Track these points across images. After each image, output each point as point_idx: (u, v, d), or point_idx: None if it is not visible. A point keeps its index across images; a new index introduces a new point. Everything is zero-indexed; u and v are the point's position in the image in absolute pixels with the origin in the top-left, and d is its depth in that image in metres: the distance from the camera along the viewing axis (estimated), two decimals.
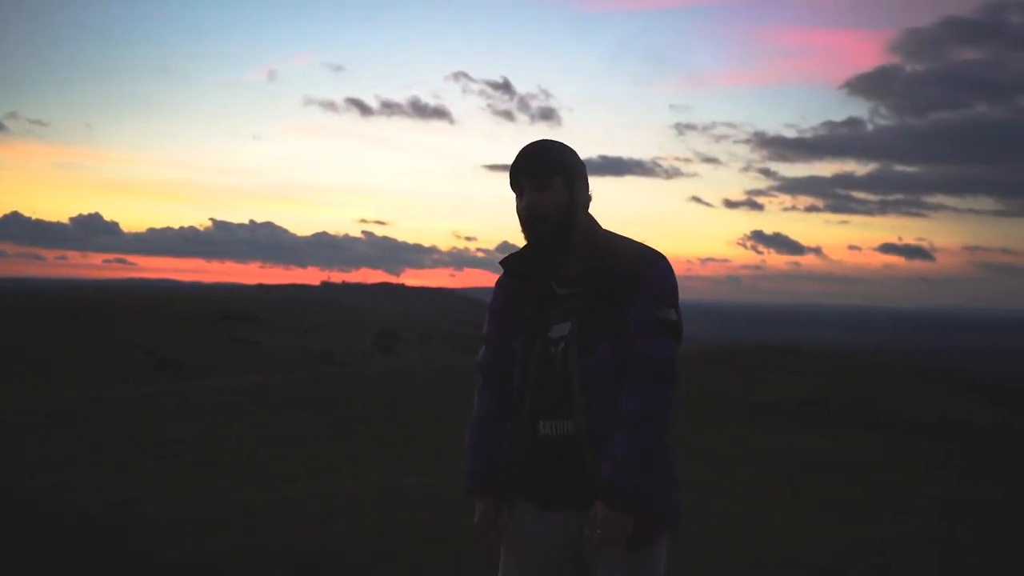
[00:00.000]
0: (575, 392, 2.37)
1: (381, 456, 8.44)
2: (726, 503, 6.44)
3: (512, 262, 2.53)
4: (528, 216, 2.41)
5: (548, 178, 2.40)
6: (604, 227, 2.50)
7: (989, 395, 15.88)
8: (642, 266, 2.39)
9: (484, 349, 2.60)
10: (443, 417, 10.41)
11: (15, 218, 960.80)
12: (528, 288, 2.48)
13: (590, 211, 2.51)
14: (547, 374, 2.43)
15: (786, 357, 18.20)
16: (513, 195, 2.47)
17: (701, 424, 10.10)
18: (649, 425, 2.30)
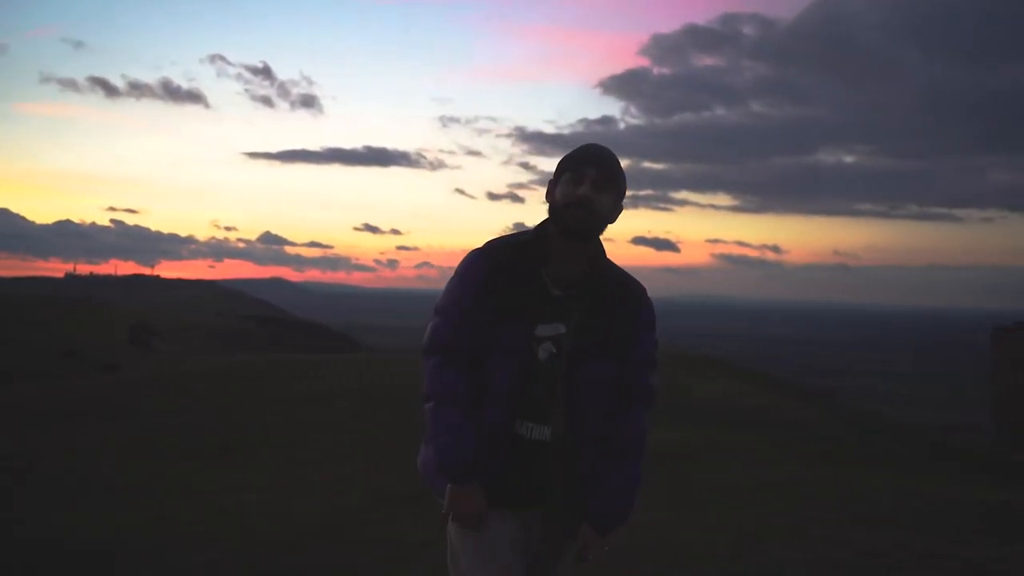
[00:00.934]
0: (561, 396, 2.37)
1: (204, 471, 7.71)
2: None
3: (516, 246, 2.44)
4: (577, 203, 2.39)
5: (611, 185, 2.46)
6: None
7: (760, 382, 17.39)
8: (640, 293, 2.51)
9: (449, 323, 2.41)
10: (249, 423, 9.82)
11: None
12: (523, 279, 2.40)
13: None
14: (532, 374, 2.38)
15: None
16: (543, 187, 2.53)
17: None
18: (643, 456, 2.49)
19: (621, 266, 2.54)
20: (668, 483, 7.27)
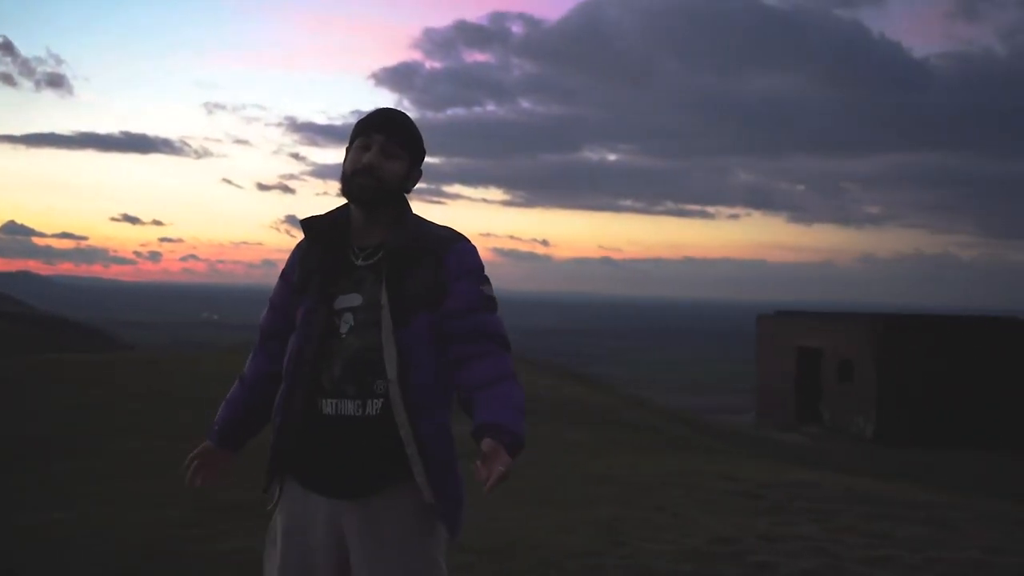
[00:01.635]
0: (387, 366, 2.23)
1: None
2: None
3: (314, 221, 2.43)
4: (362, 170, 2.35)
5: (400, 152, 2.39)
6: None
7: (556, 373, 17.87)
8: (447, 243, 2.35)
9: (266, 312, 2.52)
10: (30, 434, 8.86)
11: None
12: (324, 253, 2.38)
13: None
14: (331, 349, 2.29)
15: None
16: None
17: None
18: (512, 381, 2.28)
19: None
20: (513, 478, 7.22)
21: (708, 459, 9.72)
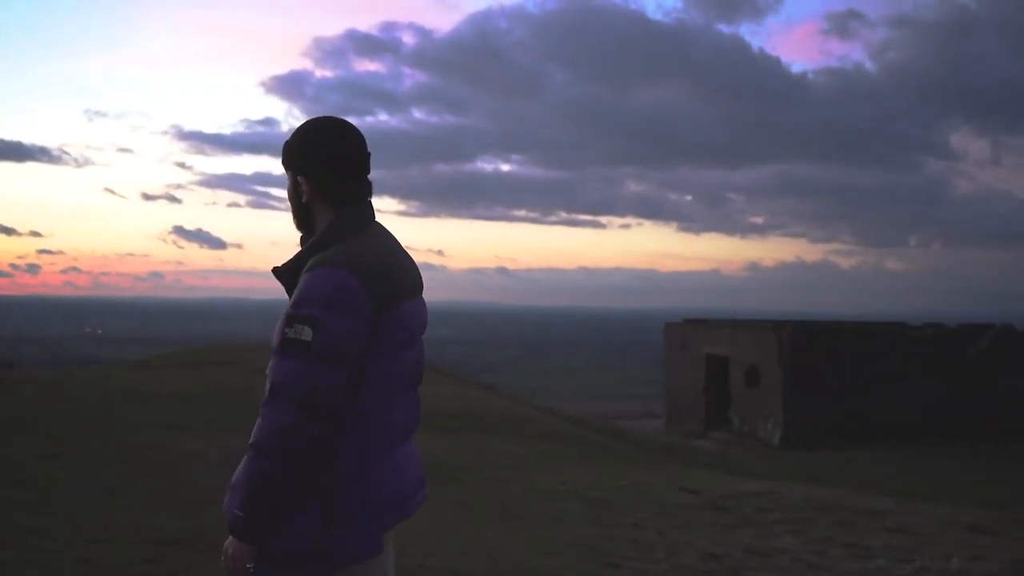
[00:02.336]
0: None
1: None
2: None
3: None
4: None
5: (288, 171, 2.29)
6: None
7: (472, 384, 17.65)
8: (305, 271, 2.10)
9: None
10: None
11: None
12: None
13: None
14: None
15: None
16: None
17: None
18: (256, 452, 2.00)
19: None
20: (473, 495, 6.98)
21: (654, 470, 9.68)
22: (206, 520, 5.52)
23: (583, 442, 12.83)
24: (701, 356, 27.77)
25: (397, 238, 2.33)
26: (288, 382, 1.98)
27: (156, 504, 6.48)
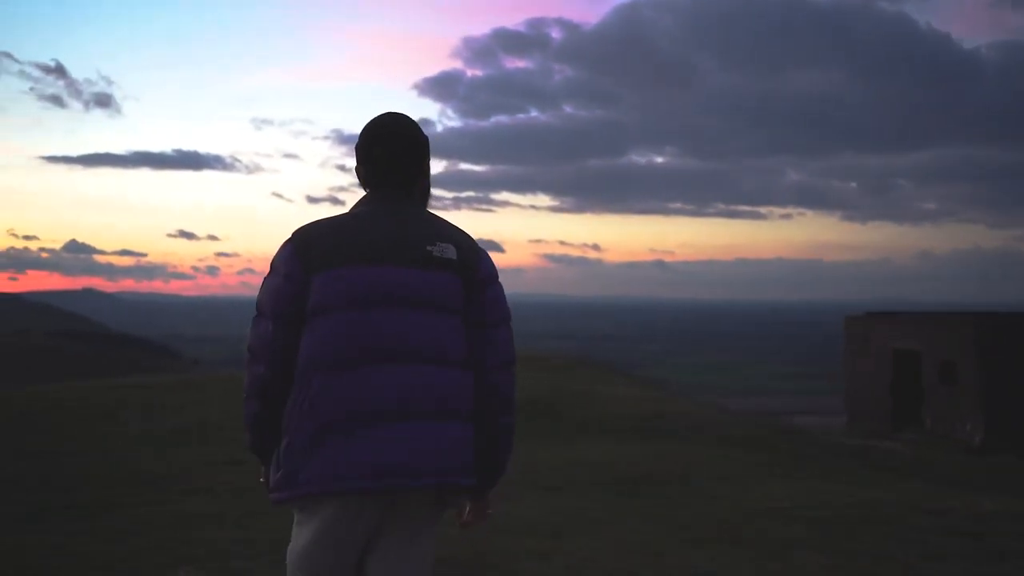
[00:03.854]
0: None
1: (99, 534, 6.01)
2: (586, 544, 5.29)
3: None
4: None
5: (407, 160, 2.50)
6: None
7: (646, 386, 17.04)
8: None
9: None
10: (119, 468, 8.14)
11: None
12: None
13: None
14: None
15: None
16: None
17: None
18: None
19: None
20: (673, 512, 6.29)
21: (873, 483, 8.67)
22: None
23: (772, 447, 11.89)
24: (887, 351, 25.93)
25: (410, 216, 2.42)
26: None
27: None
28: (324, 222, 2.38)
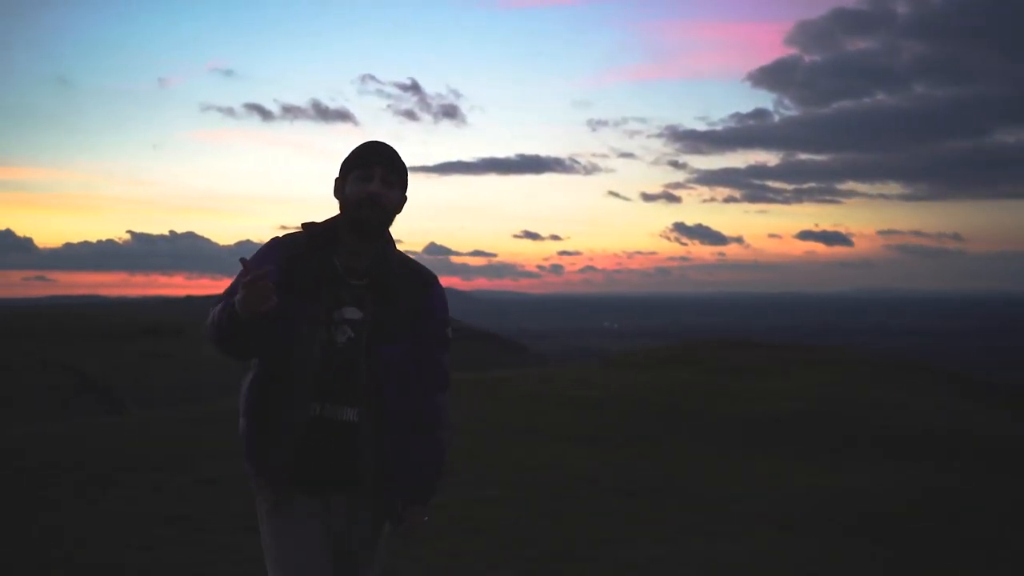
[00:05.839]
0: (366, 379, 2.50)
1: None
2: None
3: (314, 229, 2.59)
4: (369, 200, 2.51)
5: (398, 180, 2.60)
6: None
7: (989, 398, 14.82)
8: (430, 280, 2.66)
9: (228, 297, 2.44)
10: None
11: None
12: (320, 267, 2.53)
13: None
14: (329, 357, 2.49)
15: (740, 349, 18.02)
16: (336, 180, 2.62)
17: (705, 454, 9.08)
18: (442, 430, 2.61)
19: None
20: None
21: None
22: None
23: None
24: None
25: None
26: (449, 371, 2.70)
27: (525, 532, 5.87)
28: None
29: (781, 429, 10.79)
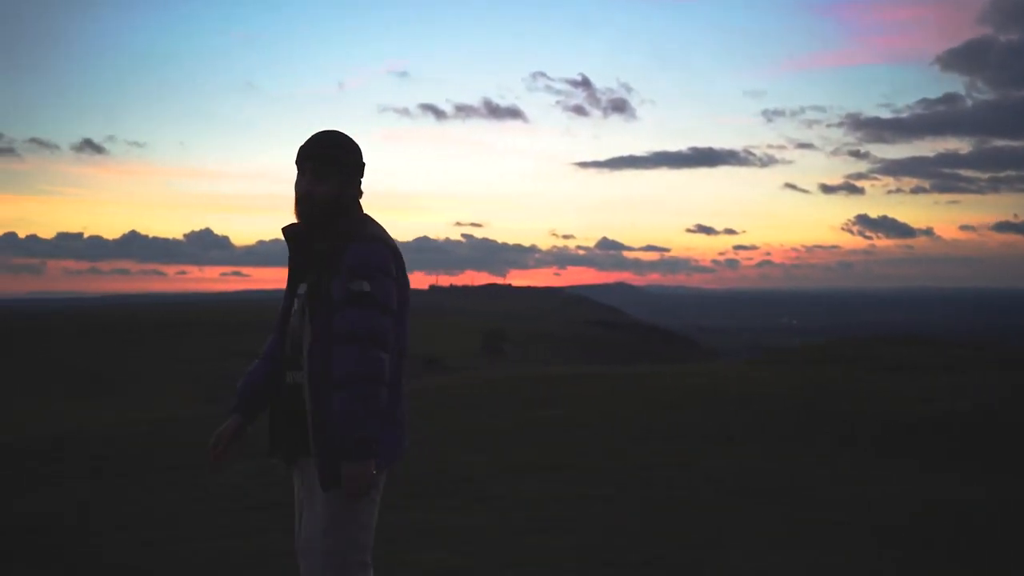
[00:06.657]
0: (302, 349, 2.75)
1: None
2: None
3: (288, 228, 2.87)
4: (298, 198, 2.79)
5: (330, 171, 2.77)
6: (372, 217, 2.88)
7: None
8: (354, 239, 2.72)
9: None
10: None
11: (134, 237, 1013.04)
12: (293, 252, 2.87)
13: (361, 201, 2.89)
14: (292, 329, 2.83)
15: (901, 346, 17.18)
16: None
17: (833, 463, 8.40)
18: (354, 384, 2.60)
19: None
20: None
21: None
22: None
23: None
24: None
25: None
26: (362, 323, 2.64)
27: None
28: (380, 227, 2.86)
29: (931, 433, 9.98)
